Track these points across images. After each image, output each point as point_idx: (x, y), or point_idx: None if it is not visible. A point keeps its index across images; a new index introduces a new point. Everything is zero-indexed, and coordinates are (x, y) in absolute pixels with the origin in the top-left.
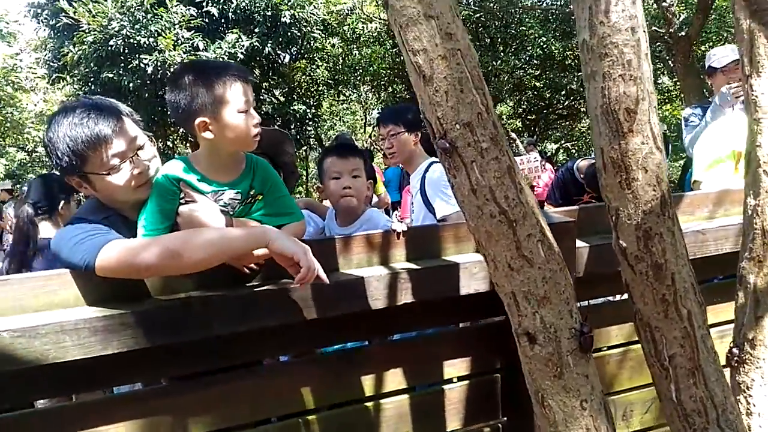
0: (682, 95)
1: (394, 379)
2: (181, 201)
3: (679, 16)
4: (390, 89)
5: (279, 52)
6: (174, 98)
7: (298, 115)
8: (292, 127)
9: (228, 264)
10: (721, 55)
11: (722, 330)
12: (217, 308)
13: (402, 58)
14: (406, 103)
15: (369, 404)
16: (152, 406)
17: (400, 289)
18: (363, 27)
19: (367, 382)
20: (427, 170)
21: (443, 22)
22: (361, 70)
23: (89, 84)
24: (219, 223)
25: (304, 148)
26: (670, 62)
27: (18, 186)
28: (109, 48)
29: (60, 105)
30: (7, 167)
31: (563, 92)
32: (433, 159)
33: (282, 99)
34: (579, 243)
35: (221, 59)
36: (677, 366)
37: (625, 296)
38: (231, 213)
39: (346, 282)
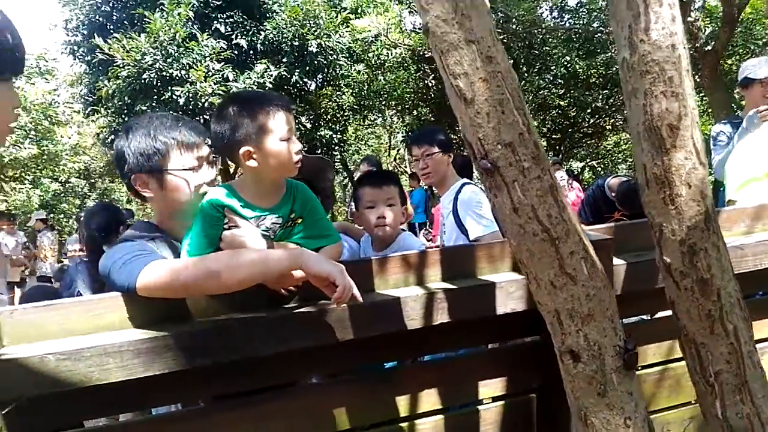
0: (710, 110)
1: (429, 399)
2: (225, 226)
3: (705, 30)
4: (415, 113)
5: (306, 80)
6: (219, 129)
7: (324, 140)
8: (319, 152)
9: (266, 286)
10: (759, 66)
11: (763, 347)
12: (256, 330)
13: (426, 81)
14: (432, 126)
15: (403, 425)
16: (191, 426)
17: (436, 308)
18: (387, 53)
19: (402, 402)
20: (459, 191)
21: (484, 46)
22: (385, 95)
23: (123, 116)
24: (261, 247)
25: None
26: (696, 77)
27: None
28: (143, 81)
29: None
30: (42, 197)
31: (588, 110)
32: (465, 180)
33: (309, 126)
34: (616, 261)
35: (251, 89)
36: (723, 382)
37: (660, 314)
38: (272, 237)
39: (382, 302)
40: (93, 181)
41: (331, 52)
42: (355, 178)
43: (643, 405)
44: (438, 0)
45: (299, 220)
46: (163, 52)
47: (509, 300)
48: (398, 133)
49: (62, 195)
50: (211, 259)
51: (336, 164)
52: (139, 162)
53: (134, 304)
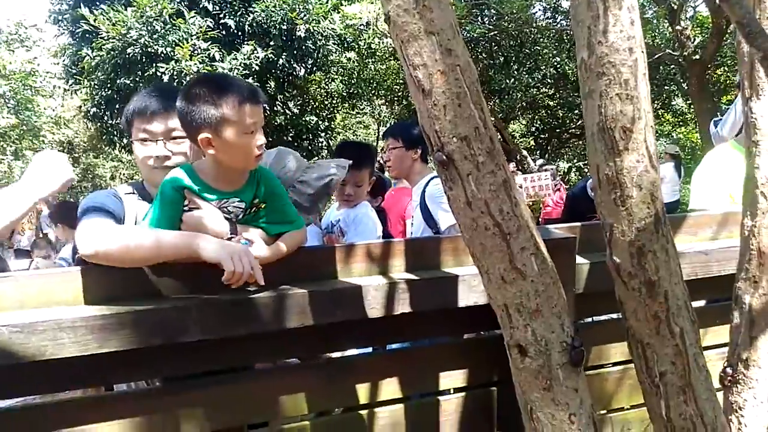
0: (697, 119)
1: (389, 388)
2: (185, 208)
3: (694, 39)
4: (404, 103)
5: (294, 65)
6: (182, 107)
7: (310, 126)
8: (305, 138)
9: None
10: None
11: (723, 352)
12: (214, 312)
13: None
14: (414, 119)
15: (363, 412)
16: (146, 405)
17: (398, 298)
18: (378, 42)
19: (362, 390)
20: (427, 185)
21: (444, 38)
22: (375, 85)
23: (105, 89)
24: (223, 229)
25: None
26: (684, 85)
27: None
28: (127, 56)
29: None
30: (23, 170)
31: (576, 111)
32: (434, 174)
33: (296, 111)
34: (580, 259)
35: (237, 70)
36: (668, 383)
37: None
38: (235, 220)
39: (343, 289)
40: (77, 155)
41: (321, 37)
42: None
43: (589, 402)
44: None
45: (262, 206)
46: (148, 27)
47: (471, 293)
48: (387, 123)
49: None
50: (129, 235)
51: (324, 151)
52: (123, 126)
53: (92, 280)
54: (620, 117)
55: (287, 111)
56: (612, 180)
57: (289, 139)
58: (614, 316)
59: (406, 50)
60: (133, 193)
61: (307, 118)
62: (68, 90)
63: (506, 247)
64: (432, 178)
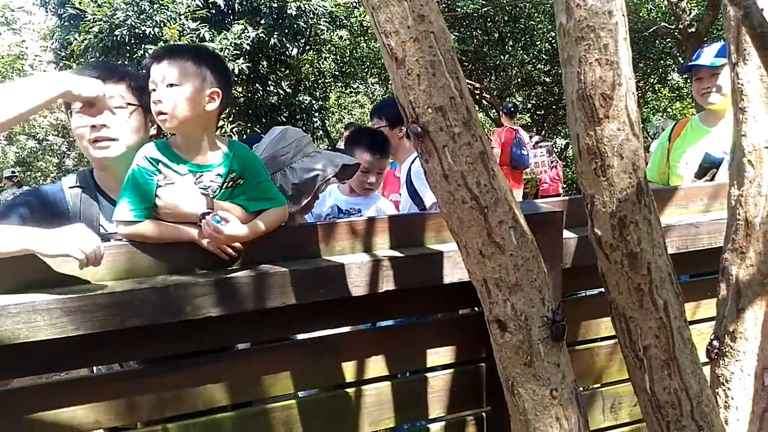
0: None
1: (376, 365)
2: (160, 183)
3: (690, 12)
4: None
5: (286, 44)
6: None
7: (304, 106)
8: (299, 118)
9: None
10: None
11: (712, 325)
12: (193, 292)
13: None
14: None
15: (350, 390)
16: (125, 387)
17: (382, 276)
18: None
19: (348, 368)
20: (413, 162)
21: (416, 4)
22: (368, 63)
23: None
24: (199, 203)
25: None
26: (680, 59)
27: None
28: (115, 38)
29: None
30: (18, 154)
31: None
32: None
33: (289, 90)
34: (567, 234)
35: (228, 50)
36: (651, 357)
37: None
38: (212, 195)
39: (325, 268)
40: (72, 139)
41: (312, 15)
42: (346, 138)
43: (571, 377)
44: None
45: (240, 181)
46: (135, 8)
47: (456, 270)
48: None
49: (39, 153)
50: None
51: (318, 131)
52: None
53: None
54: (600, 84)
55: (280, 91)
56: (592, 149)
57: (283, 119)
58: (603, 290)
59: (378, 17)
60: (77, 186)
61: (301, 98)
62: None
63: (484, 220)
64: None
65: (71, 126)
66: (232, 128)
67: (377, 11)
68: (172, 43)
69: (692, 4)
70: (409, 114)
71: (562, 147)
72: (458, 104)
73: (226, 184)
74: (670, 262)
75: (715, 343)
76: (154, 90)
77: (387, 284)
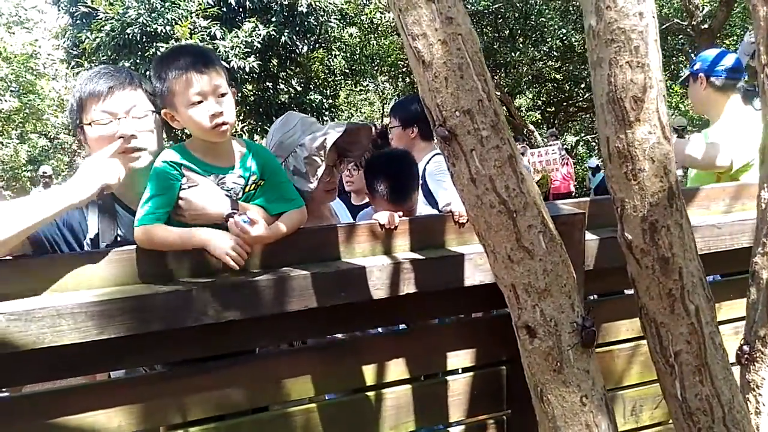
0: None
1: (396, 369)
2: (183, 186)
3: (703, 8)
4: (408, 80)
5: (297, 41)
6: (151, 88)
7: (314, 104)
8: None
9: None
10: None
11: (737, 326)
12: (215, 296)
13: None
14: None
15: (370, 393)
16: (148, 391)
17: (403, 279)
18: (381, 17)
19: (369, 372)
20: (428, 163)
21: (444, 6)
22: (378, 61)
23: None
24: (224, 204)
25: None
26: (693, 55)
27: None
28: (126, 36)
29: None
30: (30, 153)
31: (583, 85)
32: (436, 151)
33: (299, 89)
34: (589, 236)
35: (238, 48)
36: (683, 363)
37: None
38: (235, 197)
39: (346, 271)
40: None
41: (323, 12)
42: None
43: (601, 383)
44: None
45: (261, 183)
46: (147, 6)
47: (477, 272)
48: (391, 100)
49: (50, 151)
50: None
51: None
52: (70, 118)
53: (93, 265)
54: (631, 86)
55: (290, 89)
56: (623, 153)
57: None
58: (627, 291)
59: (405, 19)
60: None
61: (311, 96)
62: (70, 73)
63: (513, 225)
64: (434, 156)
65: (89, 136)
66: (243, 127)
67: (404, 13)
68: (183, 43)
69: (705, 1)
70: (436, 117)
71: (573, 144)
72: (486, 107)
73: (248, 186)
74: (702, 267)
75: (746, 348)
76: (201, 102)
77: (408, 287)
